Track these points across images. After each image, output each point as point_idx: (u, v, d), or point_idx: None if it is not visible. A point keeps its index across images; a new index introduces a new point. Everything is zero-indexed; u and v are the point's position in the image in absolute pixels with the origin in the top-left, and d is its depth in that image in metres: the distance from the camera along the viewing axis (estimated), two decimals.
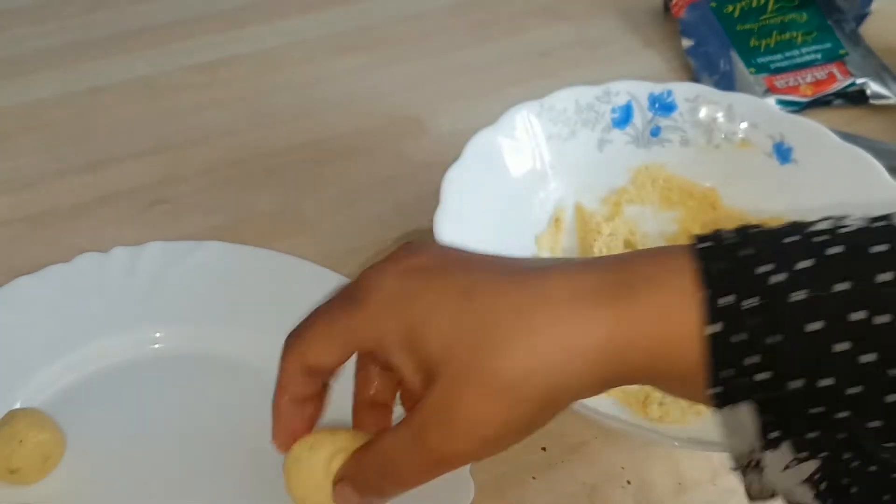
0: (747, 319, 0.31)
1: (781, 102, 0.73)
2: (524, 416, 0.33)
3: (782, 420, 0.31)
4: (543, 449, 0.52)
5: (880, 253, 0.30)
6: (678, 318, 0.32)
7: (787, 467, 0.32)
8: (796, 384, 0.31)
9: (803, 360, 0.30)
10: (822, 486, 0.31)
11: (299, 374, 0.37)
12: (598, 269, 0.33)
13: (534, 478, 0.51)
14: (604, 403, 0.52)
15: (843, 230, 0.32)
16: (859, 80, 0.75)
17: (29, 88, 0.72)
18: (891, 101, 0.75)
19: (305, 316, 0.37)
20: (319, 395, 0.39)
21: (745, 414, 0.32)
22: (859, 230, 0.32)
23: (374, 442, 0.36)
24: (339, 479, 0.37)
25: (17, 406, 0.49)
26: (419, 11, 0.82)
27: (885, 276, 0.30)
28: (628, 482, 0.51)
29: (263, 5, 0.81)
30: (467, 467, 0.48)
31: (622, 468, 0.52)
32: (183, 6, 0.80)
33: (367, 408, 0.40)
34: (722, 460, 0.52)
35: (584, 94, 0.60)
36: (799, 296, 0.30)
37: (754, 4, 0.80)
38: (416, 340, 0.33)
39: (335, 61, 0.76)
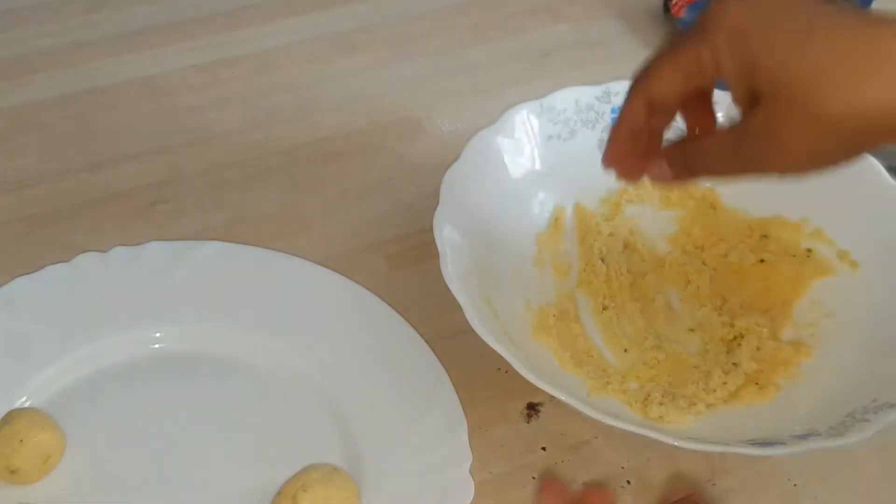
0: None
1: None
2: (833, 150, 0.37)
3: None
4: (543, 449, 0.52)
5: None
6: None
7: None
8: None
9: None
10: None
11: (641, 108, 0.42)
12: None
13: (534, 478, 0.51)
14: (604, 403, 0.52)
15: None
16: None
17: (29, 88, 0.72)
18: None
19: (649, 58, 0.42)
20: (650, 136, 0.44)
21: None
22: None
23: (699, 138, 0.43)
24: (661, 157, 0.43)
25: (17, 406, 0.49)
26: (419, 12, 0.82)
27: None
28: (628, 482, 0.51)
29: (263, 5, 0.81)
30: (467, 467, 0.48)
31: (622, 468, 0.52)
32: (183, 6, 0.80)
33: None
34: (722, 460, 0.52)
35: (584, 94, 0.60)
36: None
37: None
38: (752, 71, 0.37)
39: (335, 61, 0.76)
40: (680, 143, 0.43)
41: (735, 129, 0.39)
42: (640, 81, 0.42)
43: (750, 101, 0.38)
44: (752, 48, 0.37)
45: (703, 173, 0.43)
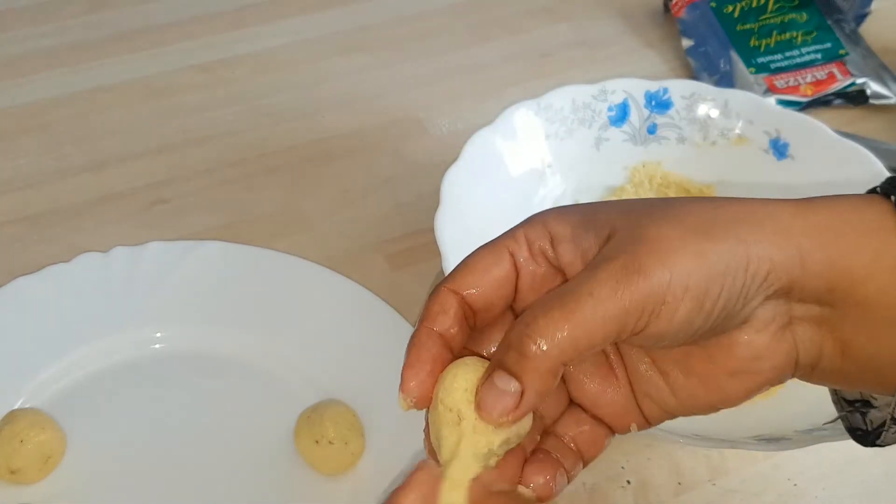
0: None
1: (782, 102, 0.73)
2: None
3: None
4: None
5: None
6: (876, 246, 0.32)
7: None
8: None
9: None
10: None
11: (452, 306, 0.32)
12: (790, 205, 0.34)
13: None
14: None
15: None
16: (859, 80, 0.75)
17: (29, 88, 0.72)
18: (891, 101, 0.75)
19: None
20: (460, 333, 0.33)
21: None
22: None
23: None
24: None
25: (18, 406, 0.49)
26: (419, 12, 0.82)
27: None
28: (628, 482, 0.51)
29: (263, 5, 0.81)
30: None
31: (622, 468, 0.52)
32: (183, 6, 0.80)
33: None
34: (722, 460, 0.52)
35: (581, 92, 0.60)
36: None
37: (754, 4, 0.80)
38: (591, 219, 0.32)
39: (335, 61, 0.76)
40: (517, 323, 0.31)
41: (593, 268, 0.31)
42: (451, 278, 0.33)
43: (586, 257, 0.32)
44: (585, 211, 0.33)
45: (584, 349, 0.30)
